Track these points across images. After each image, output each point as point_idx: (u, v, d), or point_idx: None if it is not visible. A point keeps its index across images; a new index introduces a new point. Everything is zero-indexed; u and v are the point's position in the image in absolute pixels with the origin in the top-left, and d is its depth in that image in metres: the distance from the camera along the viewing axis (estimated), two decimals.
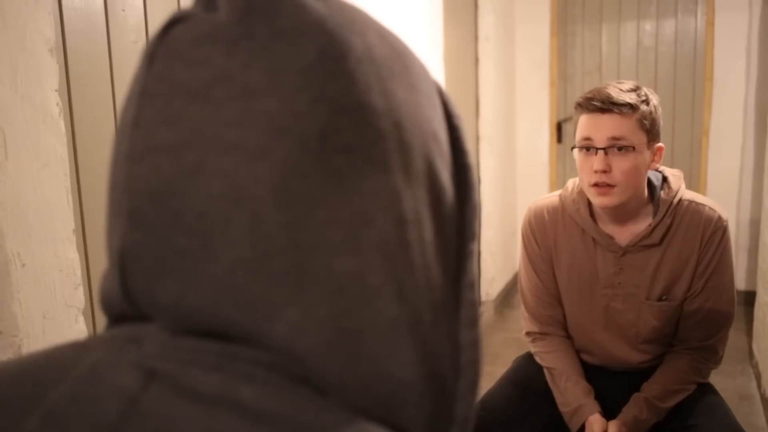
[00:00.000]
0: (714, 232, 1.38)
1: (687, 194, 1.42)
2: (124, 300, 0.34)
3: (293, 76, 0.31)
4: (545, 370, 1.51)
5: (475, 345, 0.36)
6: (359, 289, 0.31)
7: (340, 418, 0.30)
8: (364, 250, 0.31)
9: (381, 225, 0.32)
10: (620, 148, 1.31)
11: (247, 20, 0.32)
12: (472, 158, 0.38)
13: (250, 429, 0.28)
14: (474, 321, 0.36)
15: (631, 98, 1.31)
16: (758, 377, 2.58)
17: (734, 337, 2.96)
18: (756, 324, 2.75)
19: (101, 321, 1.12)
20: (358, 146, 0.31)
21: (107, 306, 0.36)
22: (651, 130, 1.33)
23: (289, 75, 0.31)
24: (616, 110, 1.30)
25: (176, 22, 0.33)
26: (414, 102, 0.35)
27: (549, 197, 1.54)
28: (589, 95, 1.34)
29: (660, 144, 1.37)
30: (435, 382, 0.33)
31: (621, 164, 1.32)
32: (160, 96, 0.32)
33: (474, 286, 0.37)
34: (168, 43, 0.33)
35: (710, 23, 3.59)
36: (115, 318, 0.36)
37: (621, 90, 1.32)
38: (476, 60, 3.46)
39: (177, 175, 0.31)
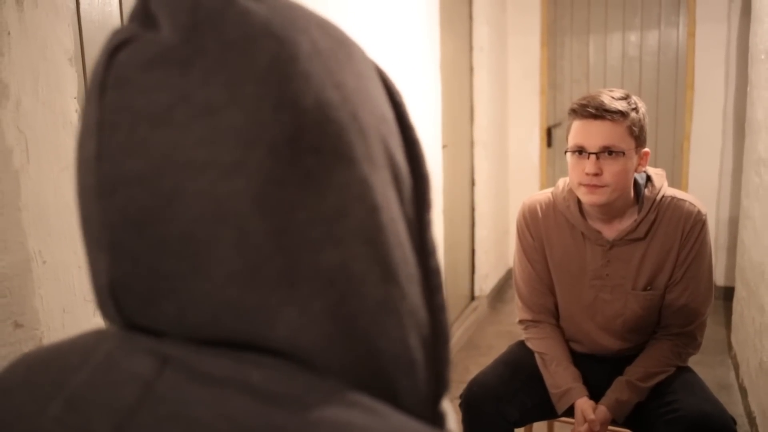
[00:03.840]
0: (694, 225, 1.39)
1: (669, 191, 1.44)
2: (127, 324, 0.33)
3: (252, 87, 0.29)
4: (536, 355, 1.52)
5: (443, 309, 0.36)
6: (347, 279, 0.31)
7: (347, 397, 0.30)
8: (345, 241, 0.31)
9: (356, 214, 0.31)
10: (611, 153, 1.32)
11: (195, 37, 0.30)
12: (416, 133, 0.37)
13: (261, 410, 0.28)
14: (439, 286, 0.36)
15: (622, 106, 1.32)
16: (736, 368, 2.58)
17: (714, 329, 2.97)
18: (734, 317, 2.75)
19: None
20: (324, 143, 0.31)
21: (116, 325, 0.35)
22: (639, 137, 1.35)
23: (247, 86, 0.29)
24: (608, 117, 1.31)
25: (119, 47, 0.31)
26: (363, 88, 0.34)
27: (542, 193, 1.55)
28: (582, 102, 1.34)
29: (646, 149, 1.38)
30: (422, 349, 0.34)
31: (611, 167, 1.33)
32: (120, 126, 0.30)
33: (435, 253, 0.36)
34: (116, 71, 0.30)
35: (691, 34, 3.59)
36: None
37: (613, 98, 1.33)
38: (471, 69, 3.46)
39: (155, 202, 0.29)
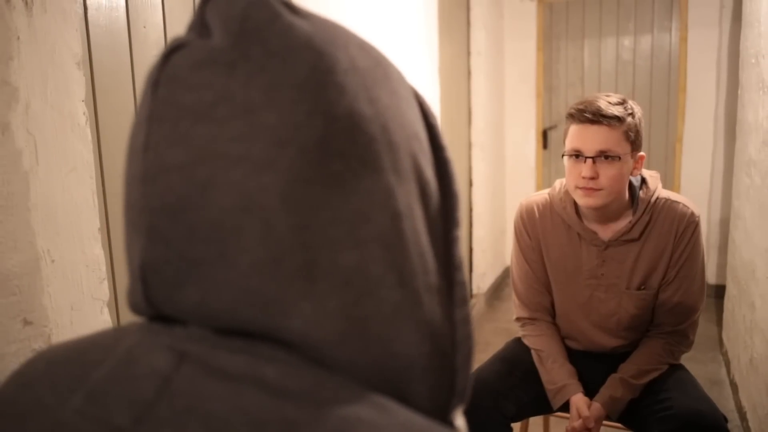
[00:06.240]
0: (687, 226, 1.39)
1: (663, 193, 1.43)
2: (150, 309, 0.34)
3: (289, 91, 0.31)
4: (533, 352, 1.52)
5: (467, 321, 0.36)
6: (364, 280, 0.31)
7: (356, 393, 0.30)
8: (366, 244, 0.31)
9: (378, 220, 0.32)
10: (607, 157, 1.32)
11: (242, 43, 0.31)
12: (448, 153, 0.39)
13: (275, 405, 0.28)
14: (465, 299, 0.36)
15: (618, 111, 1.31)
16: (727, 364, 2.58)
17: (705, 327, 2.97)
18: (725, 315, 2.75)
19: (125, 313, 1.12)
20: (352, 150, 0.32)
21: (138, 314, 0.36)
22: (635, 141, 1.34)
23: (285, 90, 0.31)
24: (605, 122, 1.30)
25: (174, 50, 0.33)
26: (396, 106, 0.35)
27: (539, 194, 1.55)
28: (580, 107, 1.34)
29: (642, 153, 1.38)
30: (437, 358, 0.34)
31: (607, 171, 1.33)
32: (167, 120, 0.32)
33: (461, 268, 0.37)
34: (169, 70, 0.32)
35: (683, 39, 3.59)
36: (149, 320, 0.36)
37: (610, 103, 1.32)
38: (469, 73, 3.46)
39: (190, 191, 0.31)
